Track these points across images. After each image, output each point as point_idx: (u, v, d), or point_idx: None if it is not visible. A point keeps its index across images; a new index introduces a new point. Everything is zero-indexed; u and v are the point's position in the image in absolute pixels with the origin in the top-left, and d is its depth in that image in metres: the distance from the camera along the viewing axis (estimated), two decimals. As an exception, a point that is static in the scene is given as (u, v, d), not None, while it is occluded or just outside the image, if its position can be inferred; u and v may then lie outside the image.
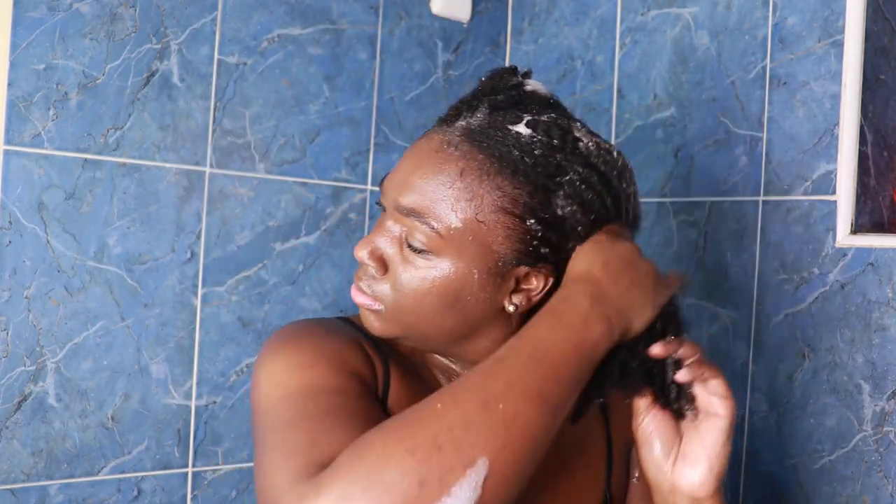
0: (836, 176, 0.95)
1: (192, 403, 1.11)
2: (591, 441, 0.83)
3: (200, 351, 1.12)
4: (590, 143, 0.72)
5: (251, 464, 1.16)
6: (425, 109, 1.30)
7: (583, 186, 0.70)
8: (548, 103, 0.75)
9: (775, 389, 1.00)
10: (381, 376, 0.74)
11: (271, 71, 1.16)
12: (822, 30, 0.97)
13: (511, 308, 0.73)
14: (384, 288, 0.73)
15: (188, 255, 1.10)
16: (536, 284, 0.73)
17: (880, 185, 0.98)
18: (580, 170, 0.71)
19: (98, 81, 1.03)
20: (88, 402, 1.04)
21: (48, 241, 1.01)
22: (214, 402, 1.13)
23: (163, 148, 1.08)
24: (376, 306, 0.73)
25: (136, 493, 1.07)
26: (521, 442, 0.57)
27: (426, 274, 0.71)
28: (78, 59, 1.01)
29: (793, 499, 0.97)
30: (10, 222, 0.98)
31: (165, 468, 1.09)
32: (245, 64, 1.14)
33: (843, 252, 0.94)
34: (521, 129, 0.71)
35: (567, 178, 0.70)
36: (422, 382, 0.78)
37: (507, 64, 1.38)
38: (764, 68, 1.02)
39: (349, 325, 0.79)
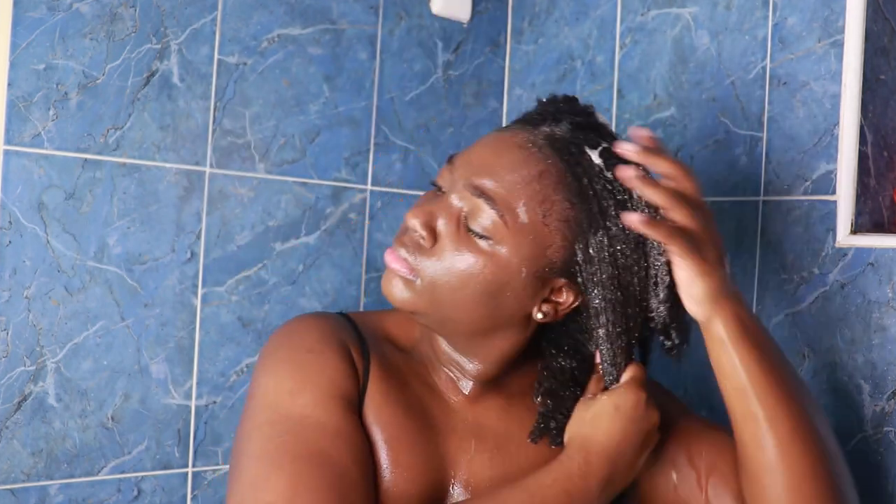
0: (836, 176, 0.95)
1: (192, 403, 1.11)
2: None
3: (200, 351, 1.12)
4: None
5: (251, 464, 1.16)
6: (425, 109, 1.30)
7: (618, 246, 0.74)
8: (612, 138, 0.78)
9: (775, 389, 1.00)
10: (361, 376, 0.77)
11: (271, 71, 1.16)
12: (822, 30, 0.97)
13: (539, 316, 0.76)
14: (427, 261, 0.73)
15: (188, 255, 1.10)
16: (566, 299, 0.76)
17: (880, 185, 0.98)
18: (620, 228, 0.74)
19: (98, 81, 1.03)
20: (88, 402, 1.04)
21: (48, 241, 1.01)
22: (214, 402, 1.13)
23: (163, 148, 1.08)
24: (411, 276, 0.74)
25: (136, 493, 1.07)
26: None
27: (477, 259, 0.72)
28: (78, 59, 1.01)
29: (793, 499, 0.97)
30: (10, 222, 0.98)
31: (165, 468, 1.10)
32: (245, 64, 1.14)
33: (843, 252, 0.94)
34: (596, 156, 0.74)
35: (607, 226, 0.74)
36: (401, 384, 0.79)
37: (507, 64, 1.38)
38: (764, 68, 1.02)
39: (343, 323, 0.80)
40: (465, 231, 0.72)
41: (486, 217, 0.71)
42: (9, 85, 0.97)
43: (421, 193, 1.32)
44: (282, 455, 0.67)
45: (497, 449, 0.80)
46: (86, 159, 1.03)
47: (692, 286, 0.72)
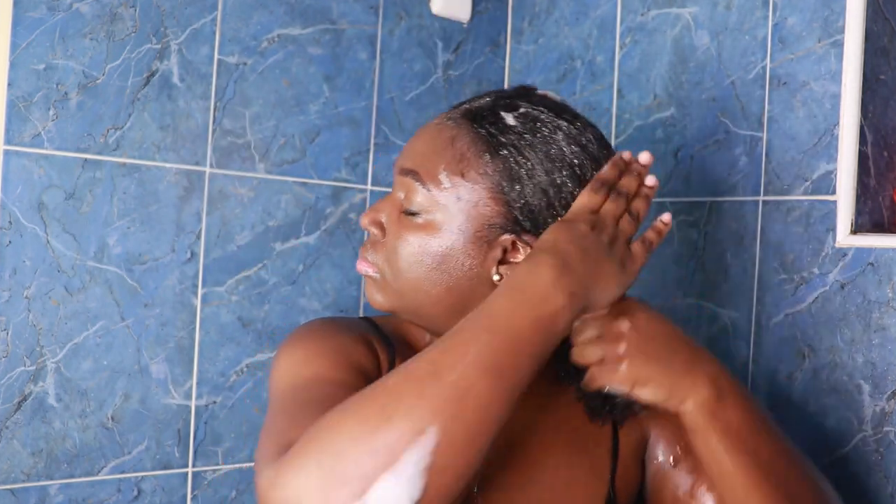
0: (836, 176, 0.95)
1: (192, 403, 1.11)
2: (594, 435, 0.83)
3: (200, 351, 1.12)
4: (564, 136, 0.76)
5: (251, 464, 1.16)
6: (425, 109, 1.30)
7: (550, 175, 0.74)
8: (550, 104, 0.79)
9: (775, 389, 1.00)
10: (385, 368, 0.78)
11: (271, 71, 1.16)
12: (822, 30, 0.97)
13: (496, 277, 0.75)
14: (381, 253, 0.77)
15: (188, 255, 1.10)
16: (523, 256, 0.75)
17: (880, 185, 0.98)
18: (544, 159, 0.75)
19: (98, 81, 1.03)
20: (88, 402, 1.04)
21: (48, 241, 1.01)
22: (214, 402, 1.13)
23: (163, 148, 1.08)
24: (373, 272, 0.78)
25: (136, 493, 1.07)
26: (473, 414, 0.58)
27: (416, 235, 0.75)
28: (78, 59, 1.01)
29: (793, 499, 0.97)
30: (10, 222, 0.98)
31: (165, 468, 1.10)
32: (245, 64, 1.14)
33: (843, 252, 0.94)
34: (509, 117, 0.76)
35: (533, 163, 0.74)
36: None
37: (507, 64, 1.38)
38: (764, 68, 1.02)
39: (364, 323, 0.83)
40: (402, 215, 0.77)
41: (415, 194, 0.75)
42: (9, 85, 0.97)
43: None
44: (295, 406, 0.68)
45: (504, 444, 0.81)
46: (86, 159, 1.03)
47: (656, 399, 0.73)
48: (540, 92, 0.81)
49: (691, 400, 0.71)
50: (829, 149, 0.95)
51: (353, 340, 0.77)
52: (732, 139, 1.05)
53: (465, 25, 1.34)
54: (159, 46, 1.07)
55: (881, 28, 0.96)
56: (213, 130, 1.12)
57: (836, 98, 0.95)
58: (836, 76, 0.95)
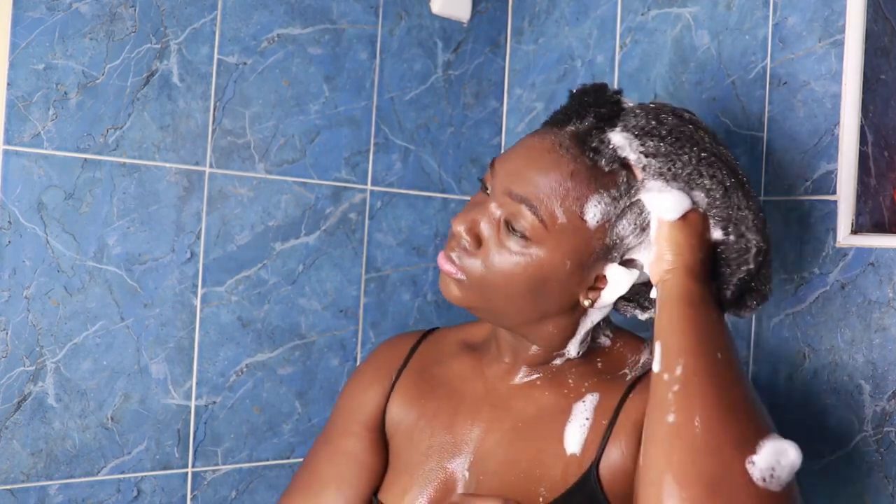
0: (836, 176, 0.95)
1: (192, 403, 1.11)
2: (580, 411, 0.83)
3: (200, 351, 1.12)
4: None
5: (251, 464, 1.16)
6: (425, 109, 1.30)
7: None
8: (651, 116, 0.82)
9: (775, 389, 0.99)
10: (390, 384, 0.95)
11: (271, 71, 1.16)
12: (822, 30, 0.97)
13: (586, 303, 0.81)
14: (474, 262, 0.81)
15: (188, 255, 1.10)
16: (609, 283, 0.81)
17: (881, 184, 0.98)
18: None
19: (98, 81, 1.03)
20: (88, 402, 1.04)
21: (48, 241, 1.01)
22: (214, 403, 1.13)
23: (163, 148, 1.08)
24: (460, 275, 0.82)
25: (135, 493, 1.07)
26: None
27: (520, 259, 0.79)
28: (77, 59, 1.01)
29: (793, 499, 0.97)
30: (9, 222, 0.98)
31: (165, 468, 1.09)
32: (245, 64, 1.14)
33: (843, 252, 0.94)
34: (615, 135, 0.79)
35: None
36: (433, 384, 0.94)
37: (507, 64, 1.38)
38: (764, 68, 1.02)
39: (406, 342, 0.99)
40: (506, 233, 0.80)
41: (525, 220, 0.78)
42: (8, 85, 0.97)
43: (421, 193, 1.33)
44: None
45: (514, 430, 0.85)
46: (85, 159, 1.03)
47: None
48: (629, 103, 0.84)
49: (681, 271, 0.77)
50: (830, 149, 0.95)
51: (364, 386, 0.96)
52: (733, 139, 1.05)
53: (465, 25, 1.34)
54: (159, 46, 1.07)
55: (881, 28, 0.96)
56: (213, 130, 1.12)
57: (836, 98, 0.95)
58: (837, 76, 0.95)
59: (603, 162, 0.78)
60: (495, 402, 0.88)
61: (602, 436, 0.80)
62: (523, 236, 0.78)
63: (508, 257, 0.79)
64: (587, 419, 0.81)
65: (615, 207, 0.79)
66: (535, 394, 0.86)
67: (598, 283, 0.81)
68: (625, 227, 0.79)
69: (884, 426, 0.89)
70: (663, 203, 0.77)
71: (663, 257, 0.77)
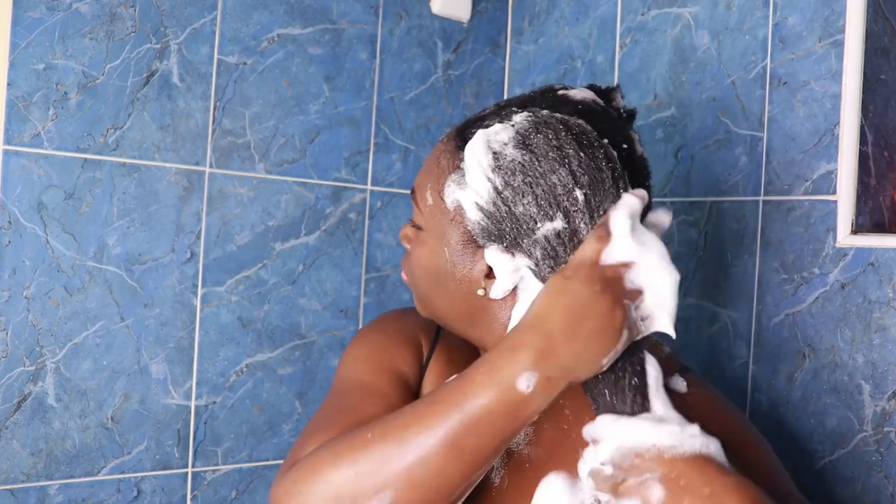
0: (836, 176, 0.95)
1: (192, 403, 1.11)
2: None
3: (200, 351, 1.12)
4: (558, 149, 0.71)
5: (251, 464, 1.16)
6: (425, 109, 1.30)
7: (533, 189, 0.71)
8: (560, 102, 0.76)
9: (775, 389, 0.99)
10: (425, 356, 0.86)
11: (271, 71, 1.16)
12: (822, 29, 0.97)
13: (480, 292, 0.76)
14: (407, 265, 0.83)
15: (188, 255, 1.10)
16: (508, 270, 0.74)
17: (881, 184, 0.98)
18: (529, 170, 0.71)
19: (98, 81, 1.03)
20: (88, 402, 1.04)
21: (48, 241, 1.01)
22: (214, 403, 1.13)
23: (163, 148, 1.08)
24: (406, 279, 0.84)
25: (135, 493, 1.07)
26: (428, 484, 0.63)
27: (418, 251, 0.80)
28: (77, 59, 1.01)
29: (793, 499, 0.97)
30: (9, 222, 0.98)
31: (165, 468, 1.09)
32: (245, 64, 1.14)
33: (843, 252, 0.94)
34: (498, 125, 0.74)
35: (514, 174, 0.72)
36: (462, 360, 0.86)
37: (507, 64, 1.38)
38: (764, 68, 1.02)
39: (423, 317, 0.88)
40: (414, 231, 0.81)
41: (414, 212, 0.80)
42: (8, 85, 0.97)
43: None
44: (329, 409, 0.78)
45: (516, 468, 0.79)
46: (85, 159, 1.03)
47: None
48: (561, 92, 0.77)
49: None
50: (830, 149, 0.95)
51: (399, 342, 0.85)
52: (733, 139, 1.05)
53: (465, 25, 1.34)
54: (159, 46, 1.07)
55: (881, 28, 0.96)
56: (213, 130, 1.12)
57: (836, 98, 0.95)
58: (837, 76, 0.95)
59: (466, 145, 0.75)
60: None
61: None
62: (419, 228, 0.79)
63: (416, 252, 0.80)
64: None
65: (489, 188, 0.73)
66: (537, 428, 0.79)
67: (492, 272, 0.75)
68: (512, 208, 0.72)
69: (884, 426, 0.89)
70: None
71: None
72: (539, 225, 0.71)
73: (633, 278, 0.68)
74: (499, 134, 0.73)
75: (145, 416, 1.08)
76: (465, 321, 0.79)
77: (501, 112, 0.77)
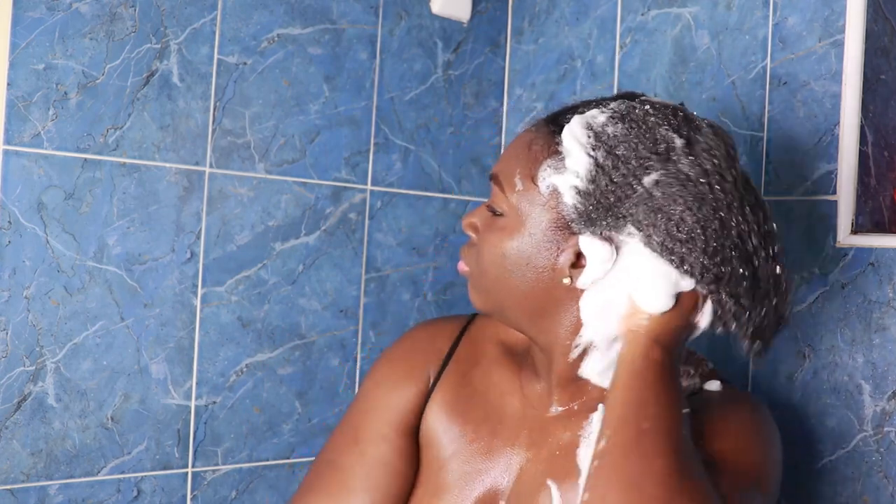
0: (836, 176, 0.95)
1: (192, 403, 1.11)
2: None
3: (200, 351, 1.12)
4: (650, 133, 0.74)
5: (251, 464, 1.16)
6: (425, 109, 1.30)
7: (634, 171, 0.73)
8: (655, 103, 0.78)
9: (775, 389, 0.99)
10: (430, 383, 0.88)
11: (271, 71, 1.16)
12: (822, 30, 0.97)
13: (566, 281, 0.76)
14: (472, 253, 0.82)
15: (188, 255, 1.10)
16: (596, 257, 0.74)
17: (881, 184, 0.98)
18: (629, 153, 0.73)
19: (98, 81, 1.03)
20: (88, 402, 1.04)
21: (48, 241, 1.01)
22: (214, 403, 1.13)
23: (163, 148, 1.08)
24: (467, 269, 0.83)
25: (135, 493, 1.07)
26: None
27: (496, 236, 0.78)
28: (77, 59, 1.01)
29: (793, 499, 0.97)
30: (9, 222, 0.98)
31: (165, 468, 1.09)
32: (245, 64, 1.14)
33: (843, 252, 0.94)
34: (595, 112, 0.75)
35: (614, 157, 0.73)
36: (472, 392, 0.88)
37: (507, 64, 1.38)
38: (764, 68, 1.02)
39: (447, 330, 0.91)
40: (490, 218, 0.80)
41: (497, 197, 0.78)
42: (8, 85, 0.97)
43: (421, 193, 1.33)
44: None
45: (551, 459, 0.79)
46: (85, 159, 1.03)
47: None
48: (646, 98, 0.79)
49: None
50: (830, 149, 0.95)
51: (406, 377, 0.88)
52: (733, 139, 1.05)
53: (465, 25, 1.34)
54: (159, 46, 1.07)
55: (881, 28, 0.96)
56: (213, 130, 1.12)
57: (836, 98, 0.95)
58: (837, 76, 0.95)
59: (563, 130, 0.76)
60: (533, 425, 0.82)
61: None
62: (498, 214, 0.78)
63: (490, 239, 0.79)
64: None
65: (585, 174, 0.74)
66: (573, 420, 0.79)
67: (580, 260, 0.75)
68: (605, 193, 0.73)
69: (884, 426, 0.89)
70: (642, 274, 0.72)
71: (637, 314, 0.72)
72: (640, 179, 0.72)
73: None
74: (596, 117, 0.75)
75: (145, 416, 1.08)
76: (533, 313, 0.78)
77: (592, 102, 0.79)
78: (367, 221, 1.25)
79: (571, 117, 0.76)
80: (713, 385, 0.83)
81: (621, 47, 1.20)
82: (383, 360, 0.93)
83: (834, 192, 0.95)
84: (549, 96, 1.30)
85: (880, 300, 0.90)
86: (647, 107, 0.75)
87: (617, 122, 0.74)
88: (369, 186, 1.25)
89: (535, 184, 0.76)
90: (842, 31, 0.95)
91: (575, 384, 0.80)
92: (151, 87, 1.07)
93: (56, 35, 1.00)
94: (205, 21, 1.10)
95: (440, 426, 0.86)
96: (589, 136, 0.74)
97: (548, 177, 0.75)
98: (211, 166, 1.12)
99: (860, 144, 0.94)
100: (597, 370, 0.77)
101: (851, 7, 0.94)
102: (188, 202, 1.10)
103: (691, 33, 1.11)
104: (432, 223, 1.31)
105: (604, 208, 0.72)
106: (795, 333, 0.98)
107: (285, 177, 1.17)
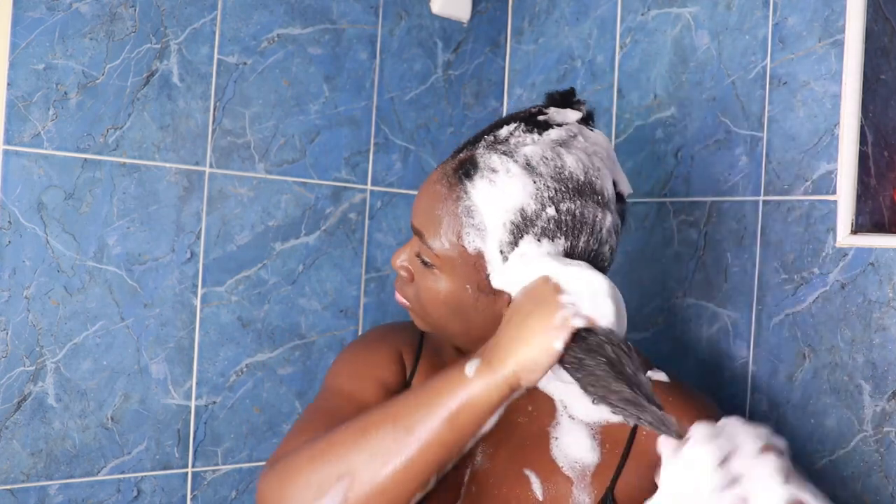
0: (836, 176, 0.95)
1: (192, 403, 1.11)
2: (611, 433, 0.82)
3: (200, 351, 1.12)
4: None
5: (251, 464, 1.16)
6: (425, 109, 1.30)
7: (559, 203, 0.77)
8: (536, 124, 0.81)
9: (775, 389, 0.99)
10: (409, 370, 0.90)
11: (271, 71, 1.16)
12: (822, 30, 0.97)
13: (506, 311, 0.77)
14: (410, 292, 0.84)
15: (188, 255, 1.10)
16: None
17: (881, 184, 0.98)
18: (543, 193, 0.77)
19: (98, 81, 1.03)
20: (88, 402, 1.04)
21: (48, 241, 1.01)
22: (214, 403, 1.13)
23: (162, 148, 1.08)
24: (408, 304, 0.85)
25: (135, 493, 1.07)
26: (381, 467, 0.69)
27: (433, 286, 0.81)
28: (77, 59, 1.01)
29: (793, 499, 0.97)
30: (9, 222, 0.98)
31: (165, 468, 1.09)
32: (245, 64, 1.14)
33: (843, 252, 0.94)
34: (495, 158, 0.78)
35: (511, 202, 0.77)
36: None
37: (507, 64, 1.38)
38: (764, 68, 1.02)
39: (409, 331, 0.93)
40: (421, 266, 0.82)
41: (424, 252, 0.80)
42: (9, 85, 0.97)
43: (421, 193, 1.33)
44: (311, 412, 0.84)
45: (505, 442, 0.83)
46: (85, 159, 1.03)
47: None
48: (542, 117, 0.82)
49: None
50: (830, 149, 0.95)
51: (382, 356, 0.89)
52: (732, 139, 1.05)
53: (465, 25, 1.34)
54: (159, 46, 1.07)
55: (881, 28, 0.96)
56: (213, 130, 1.12)
57: (836, 98, 0.95)
58: (837, 76, 0.95)
59: (471, 187, 0.78)
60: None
61: (619, 457, 0.80)
62: (430, 264, 0.80)
63: (425, 284, 0.81)
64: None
65: (487, 228, 0.77)
66: (535, 414, 0.84)
67: None
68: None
69: (884, 426, 0.89)
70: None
71: None
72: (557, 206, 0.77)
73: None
74: (496, 165, 0.78)
75: (145, 416, 1.08)
76: (481, 337, 0.80)
77: (480, 142, 0.81)
78: (367, 221, 1.25)
79: (473, 171, 0.78)
80: (661, 375, 0.85)
81: (621, 47, 1.20)
82: (359, 346, 0.92)
83: (834, 192, 0.95)
84: (549, 96, 1.30)
85: (880, 300, 0.90)
86: (538, 150, 0.79)
87: (520, 166, 0.77)
88: (369, 186, 1.25)
89: (462, 245, 0.77)
90: (842, 31, 0.95)
91: None
92: (151, 87, 1.07)
93: (56, 35, 1.00)
94: (205, 21, 1.10)
95: None
96: (495, 192, 0.77)
97: (472, 241, 0.77)
98: (211, 166, 1.12)
99: (860, 144, 0.94)
100: None
101: (851, 7, 0.94)
102: (188, 202, 1.10)
103: (691, 33, 1.11)
104: (432, 223, 1.31)
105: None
106: (795, 333, 0.98)
107: (285, 177, 1.17)
